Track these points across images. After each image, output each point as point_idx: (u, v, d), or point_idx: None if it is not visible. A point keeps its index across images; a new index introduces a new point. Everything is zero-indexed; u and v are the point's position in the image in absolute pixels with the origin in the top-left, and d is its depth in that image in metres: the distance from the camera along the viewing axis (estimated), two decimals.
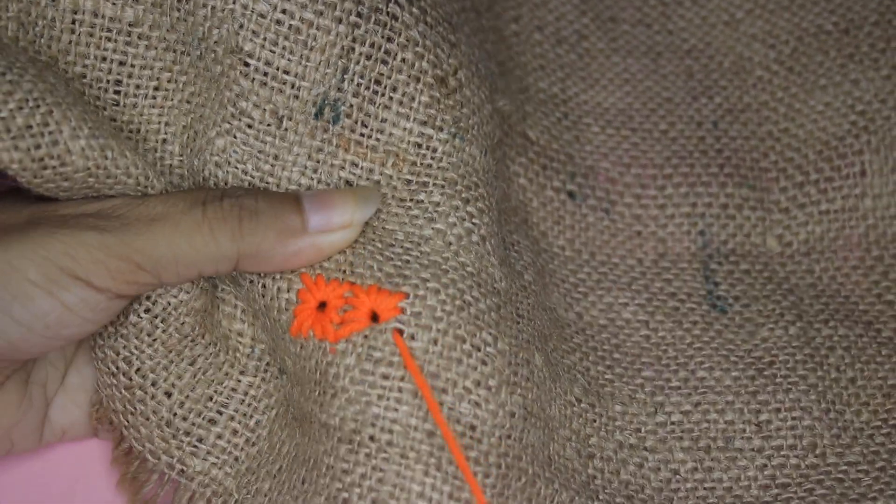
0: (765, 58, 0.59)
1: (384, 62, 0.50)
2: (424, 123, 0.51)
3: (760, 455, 0.52)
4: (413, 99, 0.51)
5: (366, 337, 0.48)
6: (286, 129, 0.50)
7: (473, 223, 0.50)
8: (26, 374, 0.52)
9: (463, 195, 0.51)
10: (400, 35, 0.50)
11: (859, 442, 0.52)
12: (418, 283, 0.49)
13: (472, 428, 0.48)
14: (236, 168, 0.51)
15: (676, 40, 0.61)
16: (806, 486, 0.51)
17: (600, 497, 0.50)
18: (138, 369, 0.51)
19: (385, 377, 0.48)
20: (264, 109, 0.50)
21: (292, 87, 0.50)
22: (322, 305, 0.49)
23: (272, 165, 0.50)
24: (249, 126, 0.50)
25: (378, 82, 0.50)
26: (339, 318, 0.49)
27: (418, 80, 0.50)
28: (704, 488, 0.51)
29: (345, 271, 0.49)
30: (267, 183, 0.50)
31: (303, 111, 0.50)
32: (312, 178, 0.50)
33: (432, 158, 0.51)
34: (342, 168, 0.50)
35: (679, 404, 0.52)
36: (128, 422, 0.52)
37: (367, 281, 0.49)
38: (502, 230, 0.53)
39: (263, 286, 0.50)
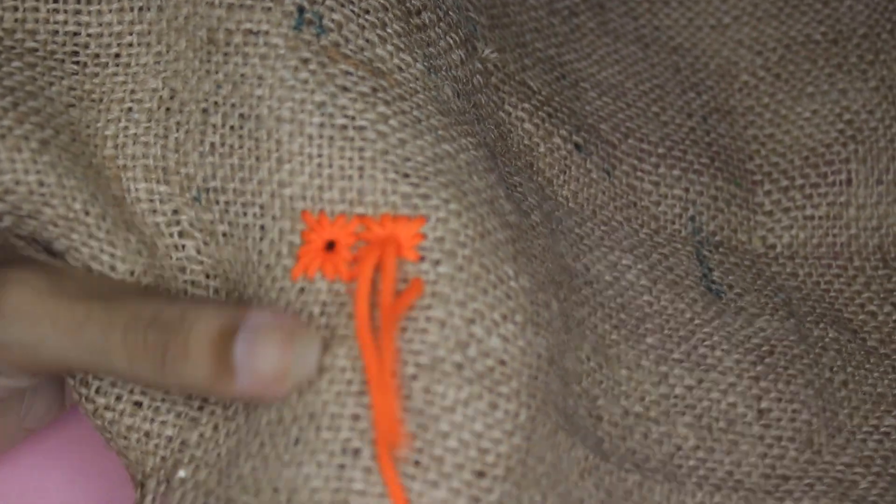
0: (751, 63, 0.59)
1: None
2: (401, 50, 0.47)
3: (761, 443, 0.49)
4: (385, 25, 0.47)
5: (378, 273, 0.44)
6: (266, 46, 0.46)
7: (473, 154, 0.47)
8: None
9: (455, 127, 0.47)
10: None
11: (853, 444, 0.51)
12: (439, 205, 0.44)
13: (503, 363, 0.44)
14: (230, 107, 0.46)
15: (663, 36, 0.59)
16: (806, 480, 0.49)
17: (610, 460, 0.47)
18: (98, 389, 0.47)
19: (410, 308, 0.44)
20: (240, 31, 0.46)
21: (262, 0, 0.46)
22: (330, 245, 0.45)
23: (261, 88, 0.46)
24: (227, 55, 0.46)
25: (351, 2, 0.47)
26: (351, 255, 0.44)
27: (387, 9, 0.48)
28: (706, 468, 0.49)
29: (352, 201, 0.45)
30: (258, 117, 0.46)
31: (279, 23, 0.46)
32: (305, 91, 0.45)
33: (418, 84, 0.47)
34: (335, 77, 0.46)
35: (682, 378, 0.50)
36: (113, 448, 0.48)
37: (379, 209, 0.44)
38: (501, 170, 0.49)
39: (262, 227, 0.46)
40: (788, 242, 0.56)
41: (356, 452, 0.43)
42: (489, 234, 0.45)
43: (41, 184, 0.46)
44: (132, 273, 0.47)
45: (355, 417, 0.43)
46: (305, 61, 0.46)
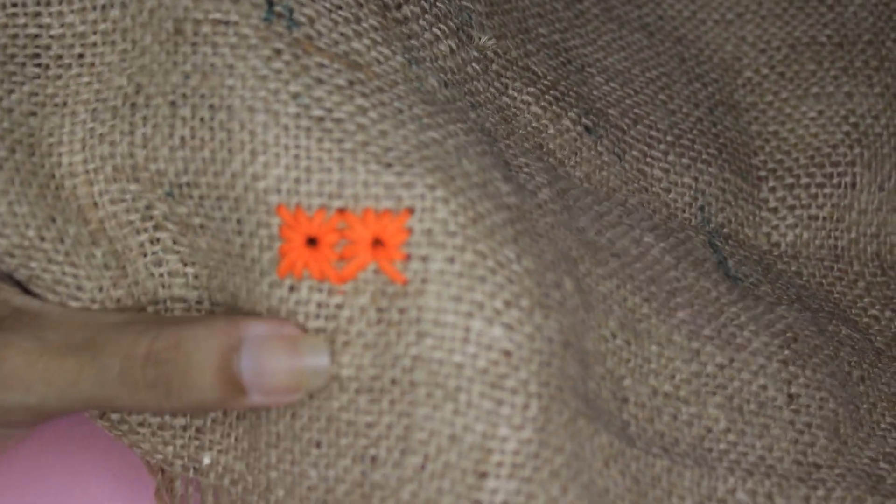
0: (755, 61, 0.58)
1: None
2: (378, 44, 0.46)
3: (792, 428, 0.47)
4: (360, 20, 0.46)
5: (376, 272, 0.42)
6: (236, 36, 0.44)
7: (463, 139, 0.45)
8: None
9: (441, 115, 0.45)
10: None
11: (874, 439, 0.49)
12: (424, 192, 0.42)
13: (508, 354, 0.42)
14: (199, 98, 0.44)
15: (667, 26, 0.58)
16: (837, 470, 0.47)
17: (637, 445, 0.45)
18: None
19: (401, 311, 0.42)
20: (208, 21, 0.44)
21: None
22: (311, 241, 0.43)
23: (232, 77, 0.43)
24: (195, 44, 0.44)
25: None
26: (335, 254, 0.42)
27: (361, 5, 0.46)
28: (738, 452, 0.46)
29: (331, 194, 0.42)
30: (230, 108, 0.43)
31: (248, 14, 0.44)
32: (279, 80, 0.43)
33: (398, 76, 0.45)
34: (309, 68, 0.44)
35: (714, 355, 0.48)
36: (127, 442, 0.46)
37: (360, 203, 0.42)
38: (502, 154, 0.48)
39: (238, 221, 0.43)
40: (792, 241, 0.55)
41: (374, 459, 0.42)
42: (482, 218, 0.43)
43: None
44: (100, 289, 0.45)
45: (370, 425, 0.42)
46: (278, 52, 0.43)
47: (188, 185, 0.44)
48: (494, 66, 0.51)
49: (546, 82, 0.52)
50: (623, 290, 0.47)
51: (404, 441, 0.42)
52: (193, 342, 0.42)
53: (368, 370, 0.42)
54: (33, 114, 0.45)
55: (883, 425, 0.50)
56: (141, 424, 0.46)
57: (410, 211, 0.42)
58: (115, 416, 0.46)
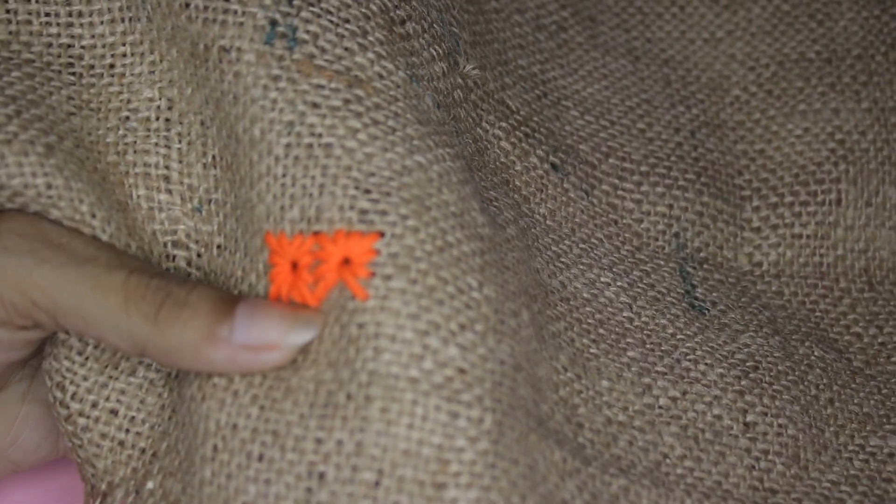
0: (743, 79, 0.58)
1: None
2: (383, 58, 0.47)
3: (748, 455, 0.48)
4: (367, 33, 0.47)
5: (340, 290, 0.44)
6: (239, 63, 0.45)
7: (448, 165, 0.46)
8: (19, 396, 0.48)
9: (433, 137, 0.46)
10: None
11: (839, 462, 0.50)
12: (396, 221, 0.44)
13: (463, 372, 0.43)
14: (219, 122, 0.46)
15: (655, 48, 0.59)
16: (794, 495, 0.48)
17: (592, 465, 0.46)
18: (74, 394, 0.47)
19: (360, 326, 0.43)
20: (215, 48, 0.46)
21: (235, 14, 0.46)
22: (295, 266, 0.44)
23: (236, 106, 0.45)
24: (207, 69, 0.46)
25: (329, 12, 0.46)
26: (311, 276, 0.44)
27: (369, 18, 0.47)
28: (694, 477, 0.47)
29: (310, 219, 0.44)
30: (236, 136, 0.45)
31: (251, 38, 0.45)
32: (274, 110, 0.45)
33: (399, 92, 0.47)
34: (305, 93, 0.45)
35: (666, 389, 0.49)
36: (80, 457, 0.47)
37: (334, 225, 0.44)
38: (477, 184, 0.49)
39: (245, 245, 0.45)
40: (775, 260, 0.55)
41: (321, 476, 0.43)
42: (450, 248, 0.44)
43: (49, 186, 0.46)
44: None
45: (319, 441, 0.43)
46: (275, 79, 0.45)
47: (216, 202, 0.47)
48: (473, 96, 0.52)
49: (518, 117, 0.53)
50: (571, 332, 0.48)
51: (356, 457, 0.42)
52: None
53: (328, 385, 0.43)
54: (73, 114, 0.48)
55: (851, 447, 0.50)
56: (104, 436, 0.47)
57: (381, 234, 0.44)
58: (81, 422, 0.47)
